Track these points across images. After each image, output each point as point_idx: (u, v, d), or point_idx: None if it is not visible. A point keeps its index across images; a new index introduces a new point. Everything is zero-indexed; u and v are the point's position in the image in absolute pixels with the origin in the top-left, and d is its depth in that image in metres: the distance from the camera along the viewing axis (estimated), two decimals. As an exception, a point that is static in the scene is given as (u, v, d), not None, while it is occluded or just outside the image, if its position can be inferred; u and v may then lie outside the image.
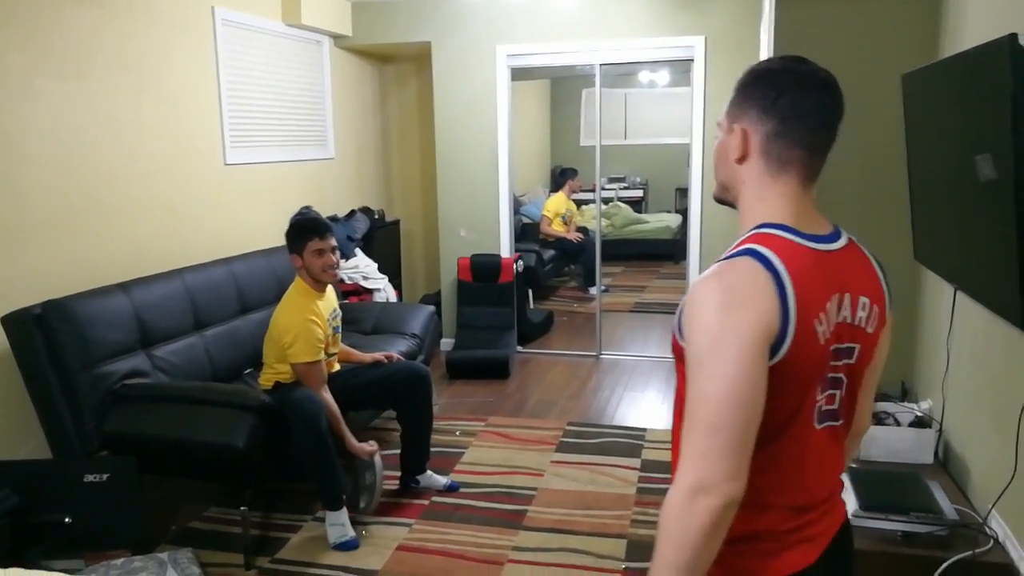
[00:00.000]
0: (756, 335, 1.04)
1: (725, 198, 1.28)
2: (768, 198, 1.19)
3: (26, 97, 3.08)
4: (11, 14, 3.00)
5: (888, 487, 2.32)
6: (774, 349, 1.06)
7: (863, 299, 1.20)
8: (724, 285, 1.08)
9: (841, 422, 1.22)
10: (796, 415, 1.14)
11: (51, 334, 2.84)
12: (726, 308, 1.05)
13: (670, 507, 1.03)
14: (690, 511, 1.01)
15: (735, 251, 1.12)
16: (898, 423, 2.72)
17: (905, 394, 3.12)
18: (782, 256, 1.10)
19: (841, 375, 1.19)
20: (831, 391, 1.18)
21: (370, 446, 3.11)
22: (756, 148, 1.19)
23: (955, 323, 2.55)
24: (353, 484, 3.11)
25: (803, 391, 1.13)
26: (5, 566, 1.95)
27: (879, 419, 2.72)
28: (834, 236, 1.23)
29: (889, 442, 2.59)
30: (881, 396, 2.99)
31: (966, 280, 2.29)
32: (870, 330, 1.21)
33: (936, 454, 2.60)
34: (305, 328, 2.99)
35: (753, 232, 1.15)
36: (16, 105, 3.03)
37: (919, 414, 2.75)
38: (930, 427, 2.65)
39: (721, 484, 1.01)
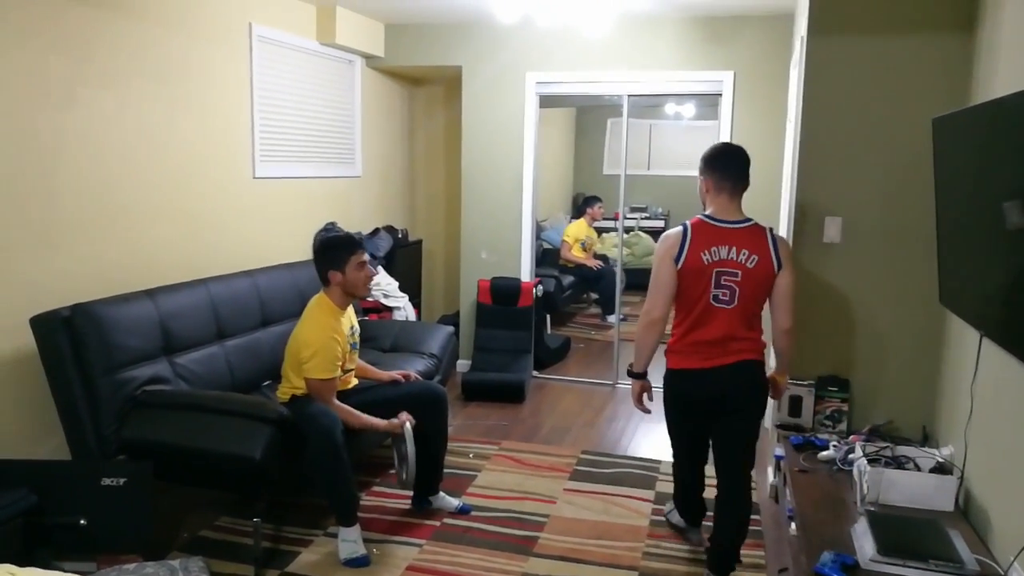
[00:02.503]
0: (667, 256, 2.61)
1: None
2: (712, 205, 2.69)
3: (66, 105, 3.15)
4: (57, 24, 3.08)
5: (907, 533, 2.28)
6: (676, 261, 2.59)
7: (744, 251, 2.58)
8: (664, 237, 2.66)
9: (734, 307, 2.59)
10: (701, 298, 2.60)
11: (77, 337, 2.88)
12: (661, 246, 2.65)
13: (639, 320, 2.70)
14: (641, 321, 2.69)
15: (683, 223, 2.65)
16: (919, 468, 2.68)
17: (926, 439, 3.08)
18: (693, 225, 2.63)
19: (732, 285, 2.58)
20: (724, 290, 2.59)
21: (399, 419, 3.14)
22: (711, 186, 2.69)
23: (980, 369, 2.52)
24: (397, 459, 3.17)
25: (698, 284, 2.59)
26: (20, 566, 1.96)
27: (899, 464, 2.69)
28: (740, 222, 2.64)
29: (909, 487, 2.56)
30: (902, 440, 2.96)
31: (992, 326, 2.27)
32: (750, 266, 2.57)
33: (957, 502, 2.56)
34: (325, 345, 3.01)
35: (695, 216, 2.67)
36: (56, 112, 3.11)
37: (940, 460, 2.71)
38: (951, 474, 2.62)
39: (650, 311, 2.64)
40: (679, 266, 2.58)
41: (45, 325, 2.88)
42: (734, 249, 2.56)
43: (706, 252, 2.56)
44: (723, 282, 2.57)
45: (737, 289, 2.57)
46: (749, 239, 2.58)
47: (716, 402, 2.68)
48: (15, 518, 2.57)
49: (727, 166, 2.65)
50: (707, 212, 2.65)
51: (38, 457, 3.06)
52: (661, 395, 2.83)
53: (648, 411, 2.86)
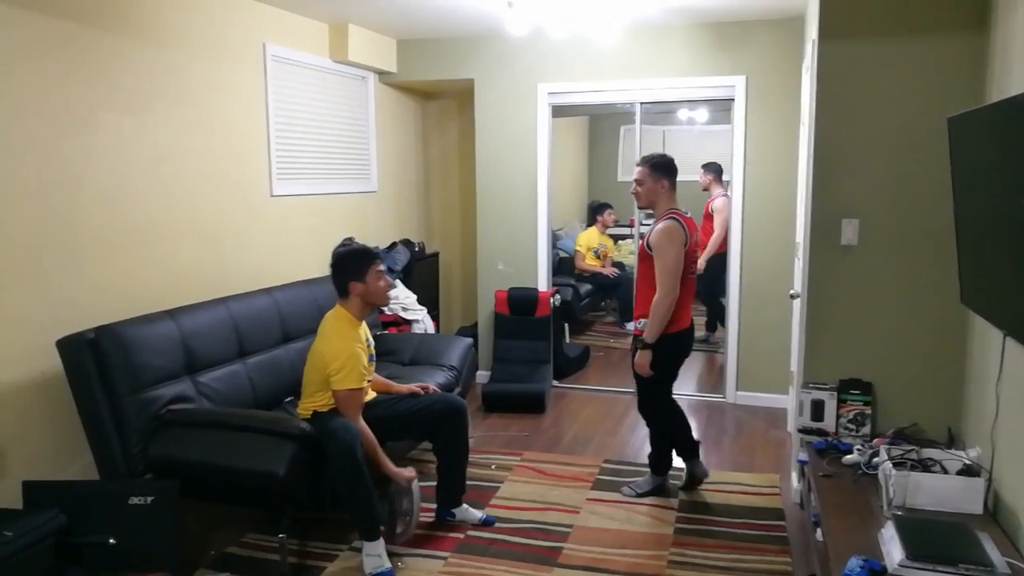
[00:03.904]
0: (680, 245, 3.32)
1: (650, 207, 3.48)
2: (671, 202, 3.43)
3: (88, 130, 3.21)
4: (81, 52, 3.15)
5: (936, 537, 2.26)
6: (684, 247, 3.33)
7: (696, 234, 3.45)
8: (670, 229, 3.33)
9: (694, 276, 3.51)
10: (687, 273, 3.39)
11: (103, 358, 2.93)
12: (672, 237, 3.32)
13: (660, 300, 3.30)
14: (663, 300, 3.30)
15: (666, 218, 3.36)
16: (945, 471, 2.65)
17: (952, 441, 3.05)
18: (683, 218, 3.37)
19: (694, 259, 3.45)
20: (693, 264, 3.45)
21: (408, 472, 3.13)
22: (668, 187, 3.43)
23: (1004, 369, 2.50)
24: (389, 511, 3.11)
25: (689, 262, 3.40)
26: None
27: (925, 466, 2.66)
28: (686, 214, 3.41)
29: (936, 490, 2.53)
30: (927, 443, 2.93)
31: (1015, 325, 2.25)
32: (696, 244, 3.47)
33: (985, 504, 2.53)
34: (353, 355, 3.03)
35: (668, 212, 3.38)
36: (79, 138, 3.17)
37: (967, 462, 2.68)
38: (979, 476, 2.59)
39: (673, 289, 3.30)
40: (685, 250, 3.33)
41: (71, 347, 2.93)
42: (694, 233, 3.44)
43: (691, 238, 3.38)
44: (692, 258, 3.44)
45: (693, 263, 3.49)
46: (694, 225, 3.47)
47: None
48: (46, 538, 2.61)
49: (676, 172, 3.47)
50: (675, 207, 3.42)
51: (67, 477, 3.11)
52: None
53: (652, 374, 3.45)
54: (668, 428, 3.66)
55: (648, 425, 3.70)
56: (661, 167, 3.41)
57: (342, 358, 3.01)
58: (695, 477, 3.69)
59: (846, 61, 3.18)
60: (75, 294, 3.17)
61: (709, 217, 5.87)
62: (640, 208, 3.58)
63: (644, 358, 3.37)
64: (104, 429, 2.94)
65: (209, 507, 3.36)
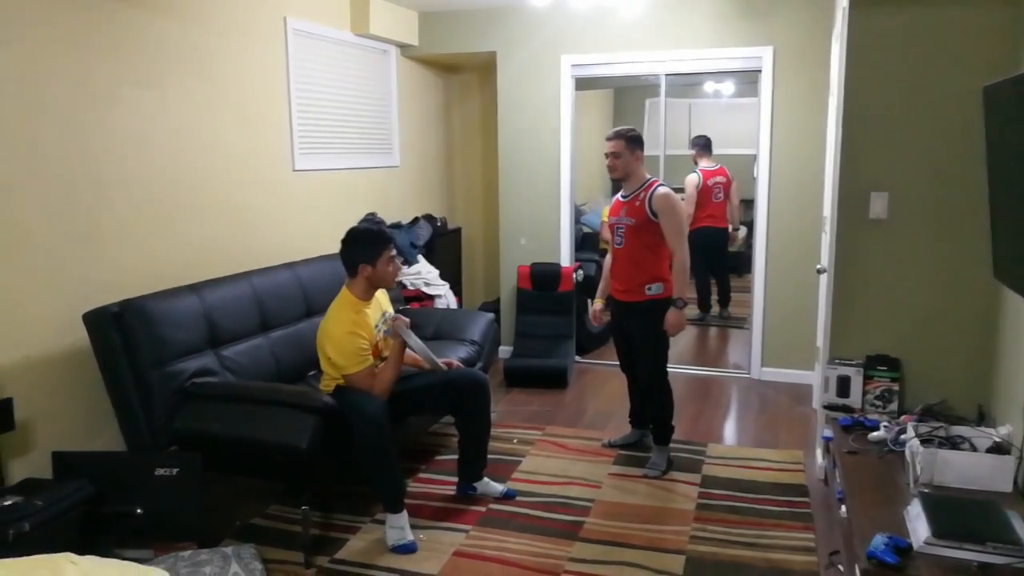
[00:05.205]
0: (683, 206, 3.61)
1: (624, 178, 3.59)
2: (645, 174, 3.60)
3: (110, 105, 3.22)
4: (101, 27, 3.15)
5: (963, 514, 2.22)
6: None
7: None
8: (671, 194, 3.50)
9: None
10: None
11: (127, 332, 2.95)
12: (674, 200, 3.51)
13: (683, 261, 3.46)
14: (686, 260, 3.48)
15: (658, 184, 3.53)
16: (975, 448, 2.61)
17: (982, 418, 2.99)
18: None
19: None
20: None
21: (397, 324, 3.14)
22: (640, 158, 3.58)
23: (1038, 345, 2.44)
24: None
25: None
26: (79, 554, 2.02)
27: (954, 444, 2.61)
28: None
29: (964, 468, 2.49)
30: (956, 420, 2.87)
31: (1051, 300, 2.19)
32: None
33: (1016, 482, 2.48)
34: (344, 342, 3.04)
35: (653, 180, 3.56)
36: (101, 113, 3.18)
37: (998, 439, 2.63)
38: (1009, 453, 2.54)
39: (687, 251, 3.48)
40: None
41: (97, 321, 2.96)
42: None
43: None
44: None
45: None
46: None
47: None
48: (75, 507, 2.66)
49: (644, 144, 3.62)
50: (651, 176, 3.60)
51: (95, 449, 3.16)
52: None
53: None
54: (671, 396, 3.71)
55: (656, 395, 3.67)
56: (635, 140, 3.55)
57: (335, 346, 3.05)
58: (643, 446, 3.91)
59: (878, 29, 3.09)
60: (101, 269, 3.20)
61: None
62: (614, 179, 3.65)
63: (680, 317, 3.49)
64: (130, 401, 2.98)
65: (233, 479, 3.40)
